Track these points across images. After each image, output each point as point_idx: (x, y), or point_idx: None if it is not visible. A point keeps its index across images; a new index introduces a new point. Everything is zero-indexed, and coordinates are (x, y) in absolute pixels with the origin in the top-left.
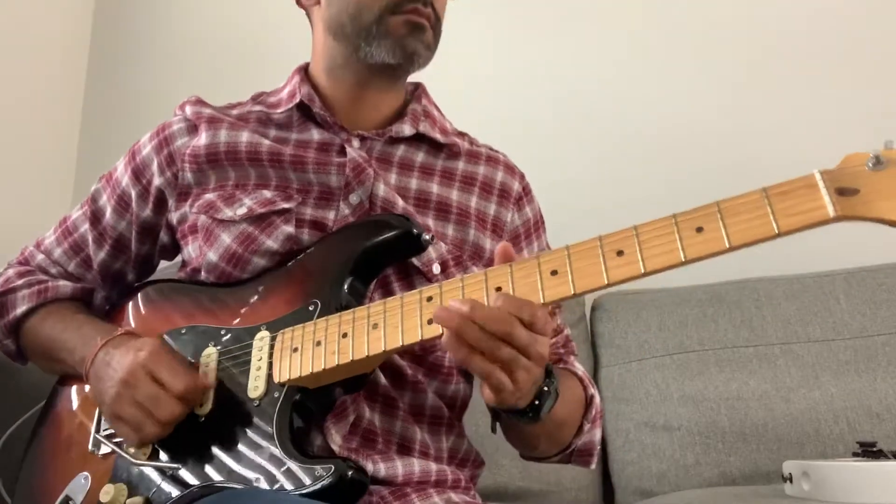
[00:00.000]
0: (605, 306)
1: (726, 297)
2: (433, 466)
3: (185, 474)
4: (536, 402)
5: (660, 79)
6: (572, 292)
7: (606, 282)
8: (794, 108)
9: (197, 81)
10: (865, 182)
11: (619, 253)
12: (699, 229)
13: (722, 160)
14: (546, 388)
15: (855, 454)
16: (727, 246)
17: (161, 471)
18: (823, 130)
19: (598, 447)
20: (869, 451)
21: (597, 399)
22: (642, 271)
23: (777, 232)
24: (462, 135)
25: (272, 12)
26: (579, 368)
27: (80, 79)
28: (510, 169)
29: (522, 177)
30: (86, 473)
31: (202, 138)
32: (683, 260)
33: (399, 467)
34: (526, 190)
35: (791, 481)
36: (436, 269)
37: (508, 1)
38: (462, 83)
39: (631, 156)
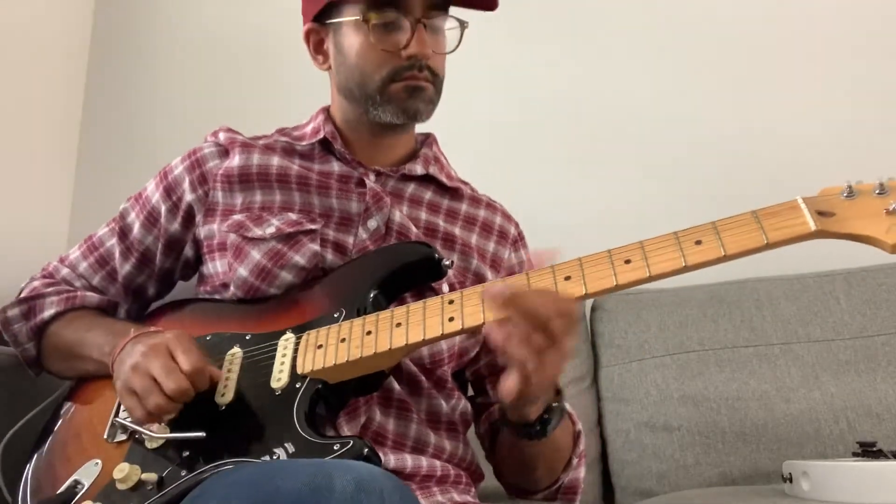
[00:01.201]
0: (605, 306)
1: (726, 297)
2: (438, 464)
3: (200, 455)
4: (546, 416)
5: (659, 82)
6: (584, 292)
7: (615, 283)
8: (795, 109)
9: (197, 82)
10: (840, 208)
11: (627, 261)
12: (698, 242)
13: (722, 164)
14: (555, 404)
15: (855, 454)
16: (723, 254)
17: (175, 452)
18: (821, 132)
19: (582, 486)
20: (869, 451)
21: (582, 436)
22: (648, 275)
23: (766, 242)
24: (464, 183)
25: (272, 14)
26: (566, 404)
27: (80, 79)
28: (507, 216)
29: (517, 225)
30: (97, 460)
31: (235, 160)
32: (685, 265)
33: (408, 460)
34: (521, 235)
35: (791, 481)
36: (445, 289)
37: (508, 2)
38: (461, 85)
39: (632, 159)
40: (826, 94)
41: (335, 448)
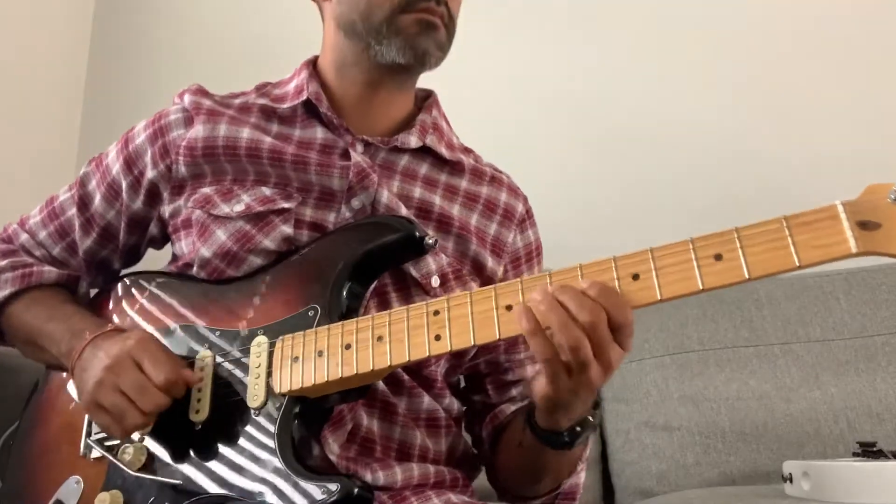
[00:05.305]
0: None
1: (726, 297)
2: (431, 468)
3: (184, 485)
4: (578, 429)
5: (666, 81)
6: None
7: None
8: (800, 110)
9: (197, 79)
10: (888, 216)
11: (635, 277)
12: (717, 256)
13: (726, 165)
14: (591, 419)
15: (855, 454)
16: (746, 276)
17: (155, 477)
18: (826, 135)
19: (581, 491)
20: (869, 451)
21: (590, 441)
22: (659, 298)
23: (798, 264)
24: (468, 151)
25: (274, 8)
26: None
27: (80, 79)
28: (513, 191)
29: (526, 199)
30: (77, 477)
31: (199, 130)
32: (701, 288)
33: (398, 473)
34: (529, 213)
35: (791, 481)
36: (434, 281)
37: (514, 2)
38: (464, 84)
39: (635, 159)
40: (842, 97)
41: (324, 490)
